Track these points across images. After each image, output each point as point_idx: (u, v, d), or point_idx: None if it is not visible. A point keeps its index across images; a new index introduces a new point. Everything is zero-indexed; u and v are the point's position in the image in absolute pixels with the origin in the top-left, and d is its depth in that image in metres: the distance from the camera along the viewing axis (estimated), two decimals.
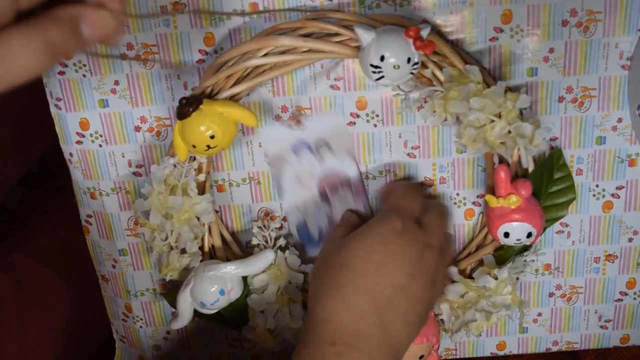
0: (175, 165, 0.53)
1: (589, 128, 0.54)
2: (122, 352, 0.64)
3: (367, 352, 0.42)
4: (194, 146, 0.49)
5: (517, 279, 0.55)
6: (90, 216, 0.59)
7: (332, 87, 0.53)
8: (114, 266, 0.60)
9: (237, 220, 0.58)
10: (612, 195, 0.56)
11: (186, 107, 0.48)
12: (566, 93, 0.53)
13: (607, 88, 0.53)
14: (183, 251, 0.54)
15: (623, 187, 0.56)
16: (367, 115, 0.54)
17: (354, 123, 0.54)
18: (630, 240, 0.58)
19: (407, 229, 0.45)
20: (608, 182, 0.56)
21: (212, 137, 0.48)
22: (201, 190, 0.54)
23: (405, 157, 0.55)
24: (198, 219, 0.54)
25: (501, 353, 0.62)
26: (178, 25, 0.51)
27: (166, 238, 0.53)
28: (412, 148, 0.55)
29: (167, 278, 0.54)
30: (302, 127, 0.52)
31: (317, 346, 0.42)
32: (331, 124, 0.54)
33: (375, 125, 0.54)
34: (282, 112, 0.54)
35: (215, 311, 0.54)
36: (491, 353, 0.62)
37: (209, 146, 0.49)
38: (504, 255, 0.55)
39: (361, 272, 0.43)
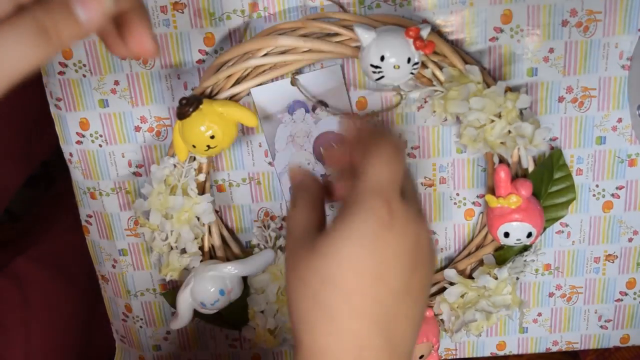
0: (175, 165, 0.53)
1: (589, 128, 0.54)
2: (122, 352, 0.64)
3: None
4: (194, 146, 0.49)
5: (517, 279, 0.55)
6: (90, 216, 0.59)
7: None
8: (114, 266, 0.60)
9: (237, 220, 0.58)
10: (612, 195, 0.56)
11: (186, 107, 0.48)
12: (566, 93, 0.53)
13: (607, 88, 0.53)
14: (183, 251, 0.54)
15: (623, 187, 0.56)
16: (367, 115, 0.54)
17: None
18: (630, 240, 0.58)
19: (395, 215, 0.35)
20: (608, 182, 0.56)
21: (212, 137, 0.48)
22: (201, 190, 0.54)
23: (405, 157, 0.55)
24: (198, 219, 0.54)
25: (501, 353, 0.62)
26: (178, 25, 0.51)
27: (166, 238, 0.53)
28: (412, 148, 0.55)
29: (167, 278, 0.54)
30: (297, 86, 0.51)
31: None
32: (328, 81, 0.53)
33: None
34: None
35: (215, 311, 0.54)
36: (491, 353, 0.62)
37: (209, 146, 0.49)
38: (504, 255, 0.55)
39: (353, 289, 0.34)
